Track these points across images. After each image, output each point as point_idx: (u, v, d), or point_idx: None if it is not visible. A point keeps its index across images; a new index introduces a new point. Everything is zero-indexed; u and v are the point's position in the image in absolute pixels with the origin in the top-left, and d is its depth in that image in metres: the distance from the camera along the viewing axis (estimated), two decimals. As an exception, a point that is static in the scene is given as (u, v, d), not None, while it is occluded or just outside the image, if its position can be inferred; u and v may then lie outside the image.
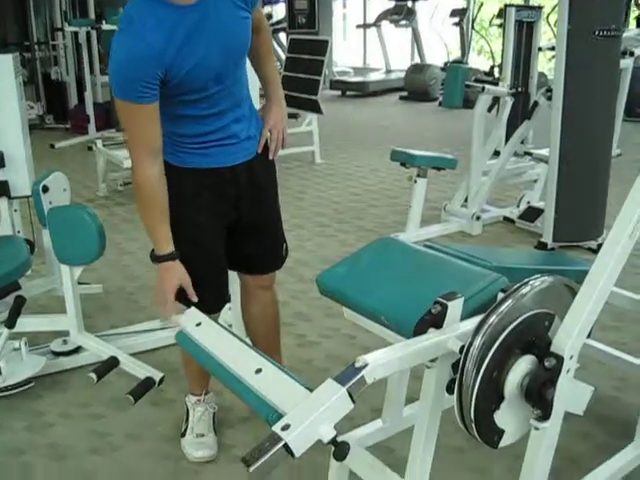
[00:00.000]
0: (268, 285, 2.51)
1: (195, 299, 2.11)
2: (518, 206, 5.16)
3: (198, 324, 1.91)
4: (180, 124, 2.09)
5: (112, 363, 2.74)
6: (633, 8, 8.65)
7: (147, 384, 2.62)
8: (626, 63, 6.14)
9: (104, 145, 5.88)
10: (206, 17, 1.91)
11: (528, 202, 5.13)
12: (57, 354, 3.04)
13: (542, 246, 4.44)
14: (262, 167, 2.29)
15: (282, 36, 12.82)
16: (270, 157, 2.30)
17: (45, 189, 2.97)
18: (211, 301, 2.25)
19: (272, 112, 2.31)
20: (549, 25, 7.15)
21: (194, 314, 1.98)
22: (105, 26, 7.45)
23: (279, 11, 13.44)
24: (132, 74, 1.85)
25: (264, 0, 12.43)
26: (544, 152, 4.93)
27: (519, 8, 5.67)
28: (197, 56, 1.91)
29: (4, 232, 3.35)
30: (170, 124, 2.06)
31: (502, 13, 6.53)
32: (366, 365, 1.46)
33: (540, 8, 6.01)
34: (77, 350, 3.05)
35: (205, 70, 1.95)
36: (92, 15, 9.22)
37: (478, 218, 4.86)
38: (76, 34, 8.53)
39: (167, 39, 1.86)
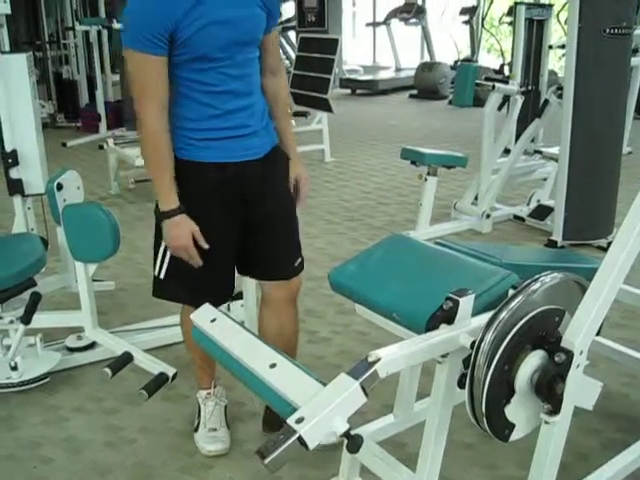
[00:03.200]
0: (290, 298, 2.43)
1: (206, 246, 2.13)
2: (528, 204, 5.18)
3: (213, 320, 1.93)
4: (187, 106, 2.12)
5: (126, 359, 2.77)
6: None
7: (160, 380, 2.66)
8: (637, 61, 6.14)
9: (115, 143, 5.92)
10: None
11: (538, 200, 5.14)
12: (72, 350, 3.08)
13: (552, 244, 4.45)
14: (273, 168, 2.30)
15: (292, 35, 12.84)
16: (301, 206, 2.41)
17: (59, 187, 3.00)
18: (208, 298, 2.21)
19: (298, 167, 2.40)
20: (559, 23, 7.13)
21: (208, 311, 2.00)
22: (116, 25, 7.47)
23: (288, 9, 13.46)
24: (144, 22, 1.97)
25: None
26: (554, 150, 4.94)
27: (529, 6, 5.68)
28: (206, 20, 1.99)
29: (18, 230, 3.39)
30: (178, 107, 2.12)
31: (512, 11, 6.53)
32: (379, 360, 1.48)
33: (550, 6, 6.02)
34: (92, 346, 3.08)
35: (212, 37, 2.02)
36: (103, 14, 9.27)
37: (488, 216, 4.87)
38: (87, 33, 8.58)
39: None
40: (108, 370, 2.66)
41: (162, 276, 2.28)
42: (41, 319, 2.90)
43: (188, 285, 2.26)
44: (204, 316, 1.96)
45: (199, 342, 1.91)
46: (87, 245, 2.79)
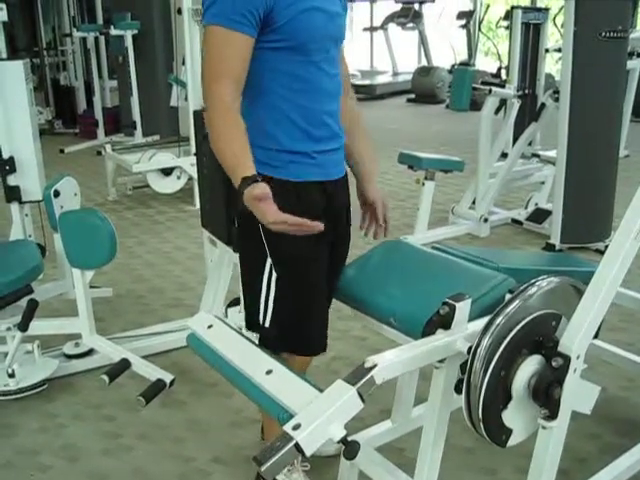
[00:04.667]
0: None
1: (321, 226, 1.70)
2: (526, 208, 5.18)
3: (209, 326, 1.93)
4: (283, 115, 1.89)
5: (124, 365, 2.77)
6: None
7: (158, 386, 2.66)
8: (633, 64, 6.17)
9: (113, 150, 5.92)
10: None
11: (536, 204, 5.15)
12: (69, 357, 3.08)
13: (550, 248, 4.45)
14: (346, 187, 2.16)
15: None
16: (383, 235, 2.33)
17: (56, 194, 3.00)
18: (317, 339, 2.09)
19: (378, 192, 2.30)
20: (556, 26, 7.15)
21: (205, 317, 1.99)
22: (113, 31, 7.43)
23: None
24: None
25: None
26: (551, 154, 4.95)
27: (525, 10, 5.67)
28: (304, 5, 1.82)
29: (16, 236, 3.39)
30: (271, 123, 1.90)
31: (509, 15, 6.54)
32: (375, 366, 1.48)
33: (547, 10, 6.00)
34: (89, 353, 3.08)
35: (310, 25, 1.84)
36: (100, 20, 9.27)
37: (486, 220, 4.87)
38: (84, 39, 8.60)
39: None
40: (106, 377, 2.66)
41: (267, 324, 1.99)
42: (38, 326, 2.90)
43: (296, 328, 2.04)
44: (201, 322, 1.96)
45: (192, 347, 1.90)
46: (84, 252, 2.78)
